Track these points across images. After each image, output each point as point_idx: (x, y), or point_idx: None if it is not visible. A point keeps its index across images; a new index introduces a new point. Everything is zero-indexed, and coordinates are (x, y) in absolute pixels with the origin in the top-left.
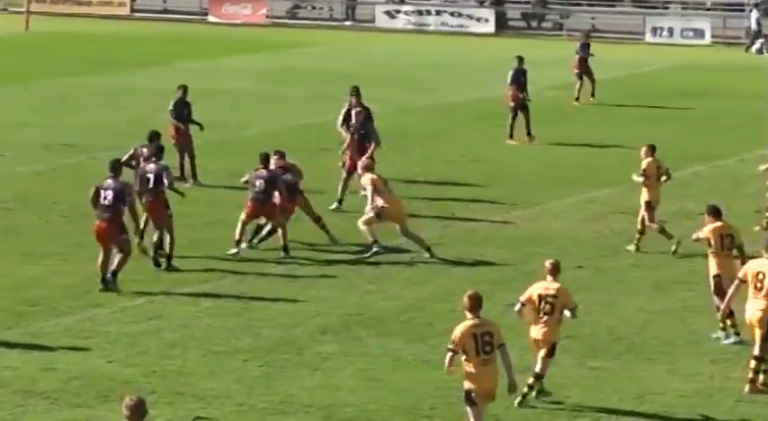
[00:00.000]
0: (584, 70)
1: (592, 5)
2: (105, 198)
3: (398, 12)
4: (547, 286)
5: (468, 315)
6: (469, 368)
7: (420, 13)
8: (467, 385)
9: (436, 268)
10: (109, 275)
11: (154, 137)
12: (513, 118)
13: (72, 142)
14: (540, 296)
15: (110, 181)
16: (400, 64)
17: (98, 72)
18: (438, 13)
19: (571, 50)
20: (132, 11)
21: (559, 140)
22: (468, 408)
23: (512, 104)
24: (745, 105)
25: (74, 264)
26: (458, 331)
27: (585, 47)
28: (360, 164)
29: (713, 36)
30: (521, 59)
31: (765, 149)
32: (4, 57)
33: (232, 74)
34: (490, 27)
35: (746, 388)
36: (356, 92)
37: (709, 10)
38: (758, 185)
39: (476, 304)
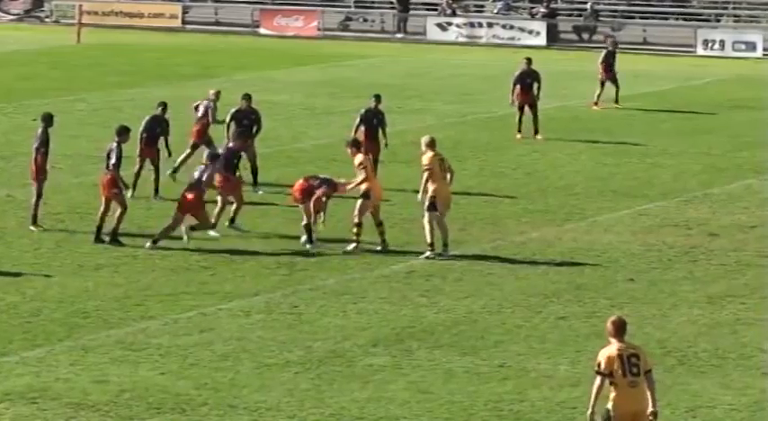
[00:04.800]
0: (610, 76)
1: (644, 18)
2: None
3: (450, 24)
4: None
5: (613, 340)
6: (614, 391)
7: (472, 25)
8: (610, 405)
9: (489, 280)
10: None
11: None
12: (520, 115)
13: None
14: None
15: None
16: (452, 76)
17: (149, 84)
18: (490, 25)
19: (624, 63)
20: (184, 23)
21: (610, 153)
22: None
23: (516, 103)
24: None
25: (126, 275)
26: (603, 356)
27: (611, 54)
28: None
29: (765, 49)
30: (529, 61)
31: None
32: (56, 69)
33: (283, 86)
34: (541, 40)
35: None
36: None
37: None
38: None
39: (620, 329)
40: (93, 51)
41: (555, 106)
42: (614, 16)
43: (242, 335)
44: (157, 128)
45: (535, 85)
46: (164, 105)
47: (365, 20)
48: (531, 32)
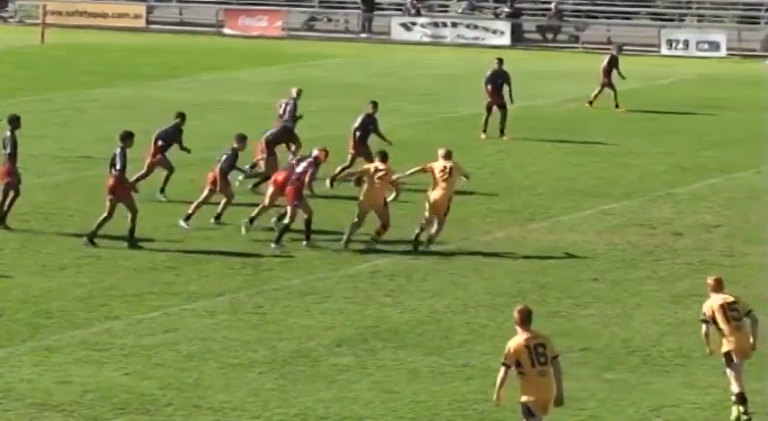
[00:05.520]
0: (607, 81)
1: (608, 18)
2: None
3: (414, 24)
4: (724, 297)
5: (519, 330)
6: (524, 382)
7: (436, 25)
8: (524, 398)
9: (453, 280)
10: None
11: (125, 137)
12: (487, 115)
13: (89, 154)
14: (722, 306)
15: None
16: (416, 76)
17: (114, 84)
18: (454, 25)
19: (588, 63)
20: (148, 23)
21: (575, 153)
22: None
23: (487, 102)
24: (762, 117)
25: (90, 276)
26: (510, 346)
27: (614, 59)
28: None
29: (729, 49)
30: (500, 61)
31: None
32: (20, 69)
33: (248, 86)
34: (506, 39)
35: None
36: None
37: (724, 22)
38: None
39: (526, 318)
40: (58, 51)
41: (520, 106)
42: (578, 16)
43: (207, 335)
44: (173, 138)
45: (505, 87)
46: (182, 116)
47: (330, 20)
48: (495, 32)
